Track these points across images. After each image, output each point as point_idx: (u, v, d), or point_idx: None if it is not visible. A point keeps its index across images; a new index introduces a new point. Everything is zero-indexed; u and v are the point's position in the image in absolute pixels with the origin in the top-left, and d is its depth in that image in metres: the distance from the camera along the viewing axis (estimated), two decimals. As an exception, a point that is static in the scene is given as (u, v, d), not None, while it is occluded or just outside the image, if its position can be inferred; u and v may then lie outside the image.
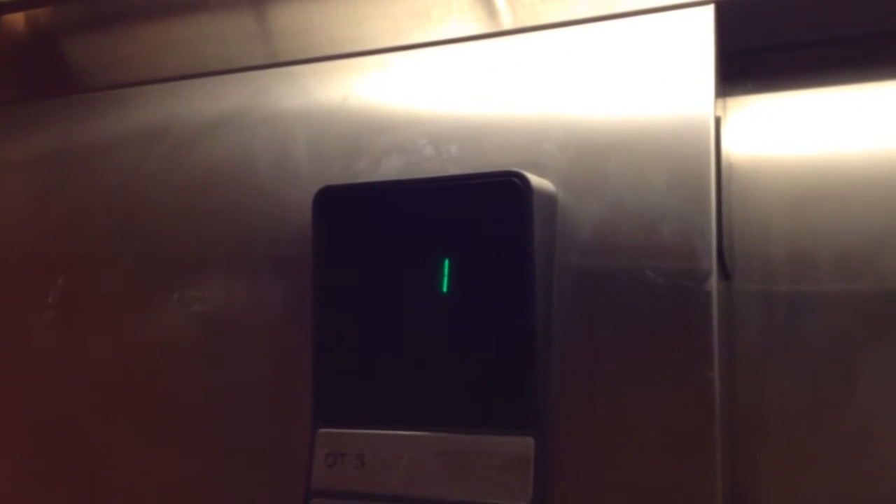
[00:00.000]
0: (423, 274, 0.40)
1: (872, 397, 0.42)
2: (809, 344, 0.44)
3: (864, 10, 0.45)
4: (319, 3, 0.54)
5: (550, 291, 0.40)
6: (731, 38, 0.43)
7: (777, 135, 0.47)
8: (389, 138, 0.46)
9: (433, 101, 0.46)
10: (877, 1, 0.45)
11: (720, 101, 0.44)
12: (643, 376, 0.38)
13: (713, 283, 0.38)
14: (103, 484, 0.48)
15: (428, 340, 0.40)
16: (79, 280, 0.52)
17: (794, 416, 0.43)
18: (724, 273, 0.43)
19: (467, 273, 0.40)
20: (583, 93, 0.43)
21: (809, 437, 0.43)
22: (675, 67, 0.42)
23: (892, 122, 0.45)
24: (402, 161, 0.46)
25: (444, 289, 0.40)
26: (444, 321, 0.40)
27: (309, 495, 0.40)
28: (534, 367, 0.38)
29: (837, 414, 0.43)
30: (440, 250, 0.40)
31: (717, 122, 0.41)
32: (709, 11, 0.42)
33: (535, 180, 0.39)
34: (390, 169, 0.46)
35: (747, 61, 0.48)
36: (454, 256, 0.40)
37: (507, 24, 0.47)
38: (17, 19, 0.63)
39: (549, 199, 0.41)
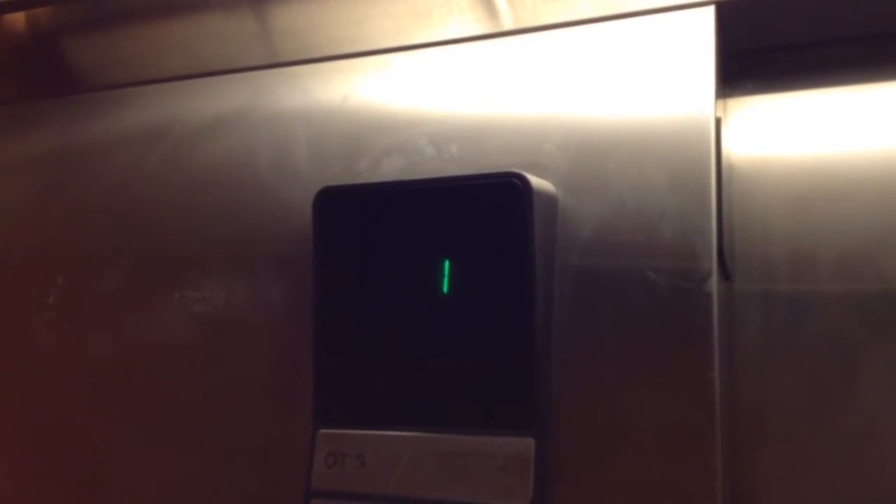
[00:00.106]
0: (423, 274, 0.40)
1: (873, 397, 0.42)
2: (810, 344, 0.44)
3: (865, 11, 0.45)
4: (320, 3, 0.54)
5: (551, 292, 0.40)
6: (732, 39, 0.43)
7: (777, 135, 0.47)
8: (390, 138, 0.46)
9: (434, 102, 0.46)
10: (877, 1, 0.45)
11: (721, 101, 0.44)
12: (643, 377, 0.38)
13: (713, 283, 0.38)
14: (104, 483, 0.48)
15: (428, 341, 0.40)
16: (79, 280, 0.52)
17: (794, 416, 0.43)
18: (725, 273, 0.43)
19: (468, 274, 0.40)
20: (583, 93, 0.43)
21: (810, 437, 0.43)
22: (676, 68, 0.42)
23: (892, 123, 0.45)
24: (403, 161, 0.46)
25: (445, 289, 0.40)
26: (444, 322, 0.40)
27: (309, 495, 0.40)
28: (534, 368, 0.38)
29: (838, 414, 0.43)
30: (441, 251, 0.40)
31: (718, 122, 0.41)
32: (709, 12, 0.42)
33: (536, 181, 0.39)
34: (391, 169, 0.46)
35: (748, 62, 0.48)
36: (455, 257, 0.40)
37: (507, 25, 0.47)
38: (18, 19, 0.63)
39: (550, 199, 0.41)
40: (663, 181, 0.40)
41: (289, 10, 0.55)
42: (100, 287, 0.51)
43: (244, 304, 0.47)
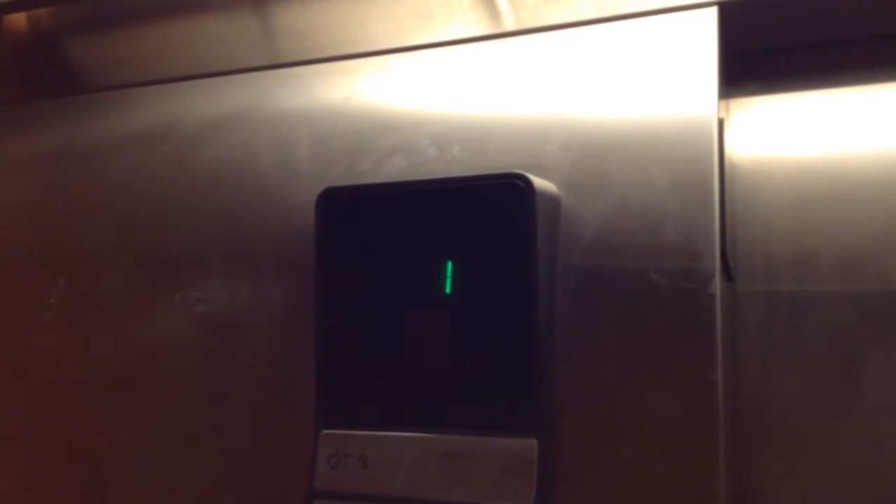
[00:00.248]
0: (426, 275, 0.40)
1: (876, 398, 0.42)
2: (812, 344, 0.44)
3: (867, 12, 0.45)
4: (322, 4, 0.54)
5: (553, 292, 0.40)
6: (735, 40, 0.43)
7: (780, 136, 0.47)
8: (392, 139, 0.46)
9: (436, 102, 0.46)
10: (879, 3, 0.45)
11: (723, 102, 0.44)
12: (646, 377, 0.38)
13: (717, 284, 0.38)
14: (105, 484, 0.48)
15: (431, 342, 0.40)
16: (81, 280, 0.52)
17: (797, 416, 0.43)
18: (728, 273, 0.43)
19: (470, 274, 0.40)
20: (585, 94, 0.43)
21: (812, 437, 0.43)
22: (679, 69, 0.42)
23: (894, 124, 0.45)
24: (405, 161, 0.46)
25: (447, 290, 0.40)
26: (446, 322, 0.40)
27: (311, 496, 0.40)
28: (537, 369, 0.38)
29: (840, 414, 0.43)
30: (443, 251, 0.40)
31: (721, 123, 0.41)
32: (712, 13, 0.42)
33: (539, 182, 0.39)
34: (393, 169, 0.46)
35: (750, 63, 0.48)
36: (457, 258, 0.40)
37: (509, 26, 0.47)
38: (20, 19, 0.63)
39: (552, 200, 0.41)
40: (666, 182, 0.40)
41: (291, 11, 0.55)
42: (101, 287, 0.51)
43: (246, 305, 0.47)
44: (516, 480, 0.37)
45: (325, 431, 0.41)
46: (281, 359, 0.46)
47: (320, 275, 0.43)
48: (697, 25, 0.42)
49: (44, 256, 0.54)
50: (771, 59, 0.48)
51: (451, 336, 0.40)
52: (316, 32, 0.53)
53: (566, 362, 0.39)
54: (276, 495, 0.44)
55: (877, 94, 0.46)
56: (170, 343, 0.48)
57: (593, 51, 0.44)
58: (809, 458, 0.43)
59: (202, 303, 0.48)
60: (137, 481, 0.47)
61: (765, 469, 0.43)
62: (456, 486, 0.38)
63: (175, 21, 0.58)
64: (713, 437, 0.37)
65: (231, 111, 0.51)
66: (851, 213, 0.45)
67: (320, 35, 0.53)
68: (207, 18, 0.57)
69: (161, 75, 0.55)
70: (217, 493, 0.45)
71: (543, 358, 0.39)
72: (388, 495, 0.39)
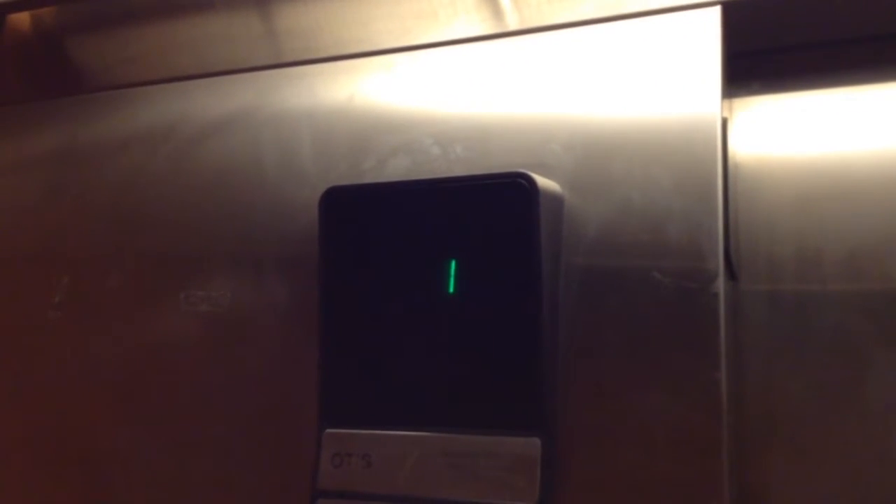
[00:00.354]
0: (429, 274, 0.40)
1: (880, 397, 0.42)
2: (816, 344, 0.44)
3: (870, 12, 0.45)
4: (325, 4, 0.54)
5: (557, 292, 0.40)
6: (738, 40, 0.43)
7: (783, 136, 0.47)
8: (395, 138, 0.46)
9: (439, 102, 0.46)
10: (882, 3, 0.45)
11: (727, 101, 0.44)
12: (650, 377, 0.38)
13: (720, 284, 0.38)
14: (109, 482, 0.48)
15: (434, 341, 0.40)
16: (84, 279, 0.52)
17: (800, 415, 0.43)
18: (731, 273, 0.43)
19: (474, 274, 0.40)
20: (589, 93, 0.43)
21: (816, 436, 0.43)
22: (682, 68, 0.42)
23: (898, 123, 0.45)
24: (409, 161, 0.46)
25: (451, 289, 0.40)
26: (450, 321, 0.40)
27: (315, 495, 0.40)
28: (540, 368, 0.38)
29: (844, 413, 0.43)
30: (447, 251, 0.40)
31: (724, 122, 0.41)
32: (716, 13, 0.42)
33: (542, 181, 0.39)
34: (396, 169, 0.46)
35: (754, 62, 0.48)
36: (461, 257, 0.40)
37: (512, 25, 0.47)
38: (23, 19, 0.63)
39: (556, 199, 0.41)
40: (669, 181, 0.40)
41: (294, 11, 0.55)
42: (105, 287, 0.51)
43: (249, 304, 0.47)
44: (520, 479, 0.37)
45: (329, 430, 0.41)
46: (284, 358, 0.46)
47: (324, 274, 0.43)
48: (701, 25, 0.42)
49: (47, 256, 0.54)
50: (774, 58, 0.48)
51: (454, 335, 0.40)
52: (319, 32, 0.53)
53: (569, 361, 0.39)
54: (279, 494, 0.44)
55: (880, 93, 0.46)
56: (173, 342, 0.48)
57: (596, 50, 0.44)
58: (813, 458, 0.43)
59: (205, 302, 0.48)
60: (141, 480, 0.47)
61: (768, 468, 0.43)
62: (459, 485, 0.38)
63: (178, 20, 0.58)
64: (717, 437, 0.37)
65: (234, 110, 0.51)
66: (854, 213, 0.45)
67: (323, 34, 0.53)
68: (210, 18, 0.57)
69: (164, 75, 0.55)
70: (221, 491, 0.45)
71: (547, 357, 0.39)
72: (392, 494, 0.39)
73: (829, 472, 0.42)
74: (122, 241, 0.52)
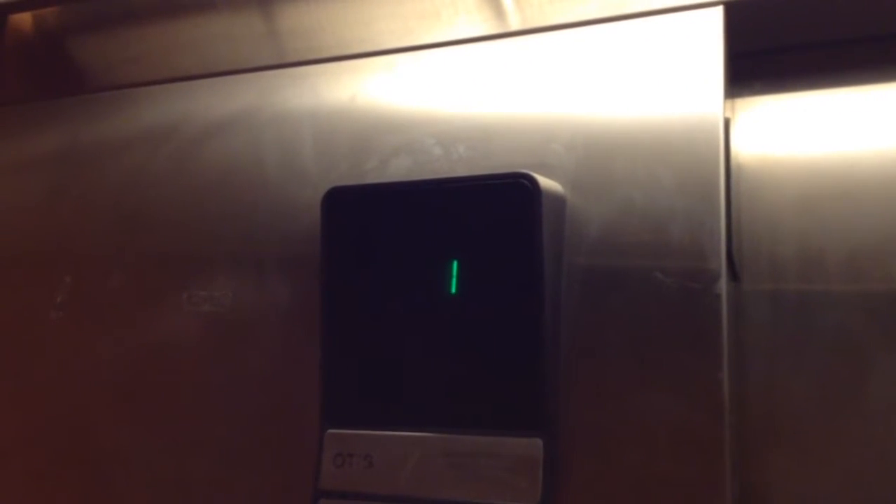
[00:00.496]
0: (431, 275, 0.40)
1: (882, 397, 0.42)
2: (818, 344, 0.44)
3: (873, 12, 0.45)
4: (327, 4, 0.54)
5: (559, 292, 0.40)
6: (741, 40, 0.43)
7: (786, 136, 0.47)
8: (397, 138, 0.46)
9: (441, 102, 0.46)
10: (885, 3, 0.45)
11: (729, 102, 0.44)
12: (652, 377, 0.38)
13: (723, 284, 0.38)
14: (112, 482, 0.48)
15: (436, 341, 0.40)
16: (87, 280, 0.52)
17: (803, 416, 0.43)
18: (733, 273, 0.43)
19: (476, 274, 0.40)
20: (591, 94, 0.43)
21: (819, 437, 0.43)
22: (684, 68, 0.42)
23: (901, 123, 0.45)
24: (410, 161, 0.46)
25: (453, 290, 0.40)
26: (452, 322, 0.40)
27: (317, 495, 0.40)
28: (542, 368, 0.38)
29: (847, 414, 0.43)
30: (449, 251, 0.40)
31: (727, 122, 0.41)
32: (718, 13, 0.42)
33: (544, 182, 0.39)
34: (398, 169, 0.46)
35: (756, 62, 0.48)
36: (463, 257, 0.40)
37: (515, 25, 0.47)
38: (25, 19, 0.63)
39: (558, 200, 0.41)
40: (672, 181, 0.40)
41: (296, 11, 0.55)
42: (107, 287, 0.51)
43: (251, 304, 0.47)
44: (522, 480, 0.37)
45: (331, 431, 0.41)
46: (286, 358, 0.46)
47: (326, 274, 0.43)
48: (703, 25, 0.42)
49: (49, 256, 0.54)
50: (777, 58, 0.48)
51: (456, 335, 0.40)
52: (321, 32, 0.53)
53: (571, 362, 0.39)
54: (281, 494, 0.44)
55: (882, 93, 0.46)
56: (175, 342, 0.48)
57: (598, 50, 0.44)
58: (816, 458, 0.43)
59: (207, 302, 0.48)
60: (143, 480, 0.47)
61: (771, 469, 0.43)
62: (461, 486, 0.38)
63: (180, 20, 0.58)
64: (719, 437, 0.37)
65: (236, 111, 0.51)
66: (857, 213, 0.45)
67: (326, 34, 0.53)
68: (212, 18, 0.57)
69: (166, 75, 0.55)
70: (223, 491, 0.45)
71: (549, 357, 0.39)
72: (394, 494, 0.39)
73: (832, 472, 0.42)
74: (124, 241, 0.52)
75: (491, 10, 0.48)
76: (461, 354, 0.40)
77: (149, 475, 0.47)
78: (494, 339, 0.39)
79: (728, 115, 0.42)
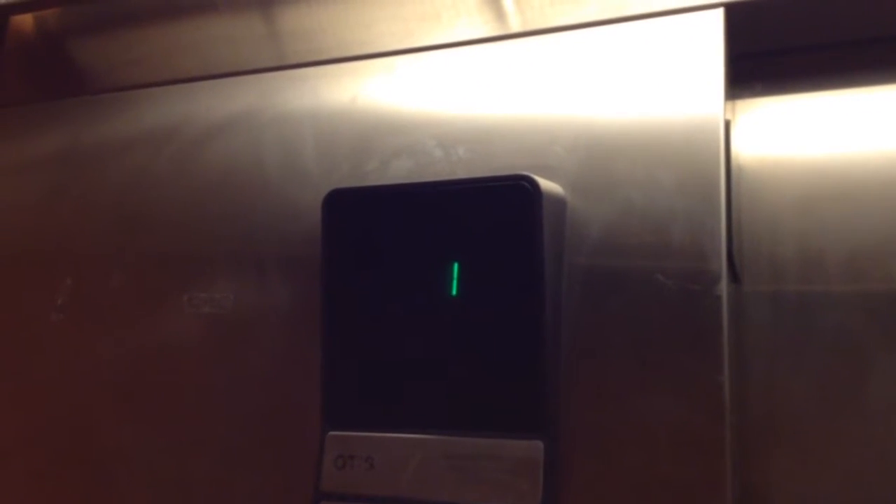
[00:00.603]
0: (432, 276, 0.40)
1: (883, 398, 0.42)
2: (819, 345, 0.44)
3: (873, 14, 0.45)
4: (328, 6, 0.54)
5: (559, 294, 0.40)
6: (741, 41, 0.43)
7: (786, 137, 0.47)
8: (398, 140, 0.46)
9: (442, 104, 0.46)
10: (885, 4, 0.45)
11: (729, 103, 0.44)
12: (653, 379, 0.38)
13: (723, 285, 0.38)
14: (113, 482, 0.48)
15: (437, 343, 0.40)
16: (88, 281, 0.52)
17: (803, 417, 0.43)
18: (734, 274, 0.43)
19: (477, 276, 0.40)
20: (592, 95, 0.43)
21: (819, 438, 0.43)
22: (685, 70, 0.42)
23: (901, 125, 0.45)
24: (411, 163, 0.46)
25: (454, 292, 0.40)
26: (453, 324, 0.40)
27: (318, 497, 0.40)
28: (543, 371, 0.38)
29: (847, 414, 0.43)
30: (450, 253, 0.40)
31: (727, 124, 0.41)
32: (718, 15, 0.42)
33: (545, 184, 0.39)
34: (399, 170, 0.46)
35: (757, 64, 0.48)
36: (463, 259, 0.40)
37: (515, 27, 0.47)
38: (26, 20, 0.63)
39: (559, 202, 0.41)
40: (672, 183, 0.40)
41: (297, 13, 0.55)
42: (108, 289, 0.51)
43: (252, 305, 0.47)
44: (522, 482, 0.37)
45: (332, 433, 0.41)
46: (287, 360, 0.46)
47: (326, 276, 0.43)
48: (704, 27, 0.42)
49: (51, 257, 0.54)
50: (777, 60, 0.48)
51: (457, 337, 0.40)
52: (322, 34, 0.53)
53: (572, 364, 0.39)
54: (282, 496, 0.44)
55: (883, 95, 0.46)
56: (176, 344, 0.48)
57: (599, 52, 0.44)
58: (816, 459, 0.43)
59: (208, 304, 0.48)
60: (145, 482, 0.47)
61: (771, 470, 0.43)
62: (462, 488, 0.38)
63: (181, 22, 0.58)
64: (720, 439, 0.37)
65: (237, 112, 0.52)
66: (857, 214, 0.45)
67: (326, 36, 0.53)
68: (214, 20, 0.57)
69: (167, 76, 0.55)
70: (224, 493, 0.45)
71: (549, 359, 0.39)
72: (395, 496, 0.39)
73: (832, 472, 0.42)
74: (125, 243, 0.52)
75: (491, 12, 0.48)
76: (462, 356, 0.40)
77: (150, 476, 0.47)
78: (495, 341, 0.39)
79: (728, 116, 0.42)
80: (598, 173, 0.42)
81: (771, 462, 0.43)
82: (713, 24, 0.42)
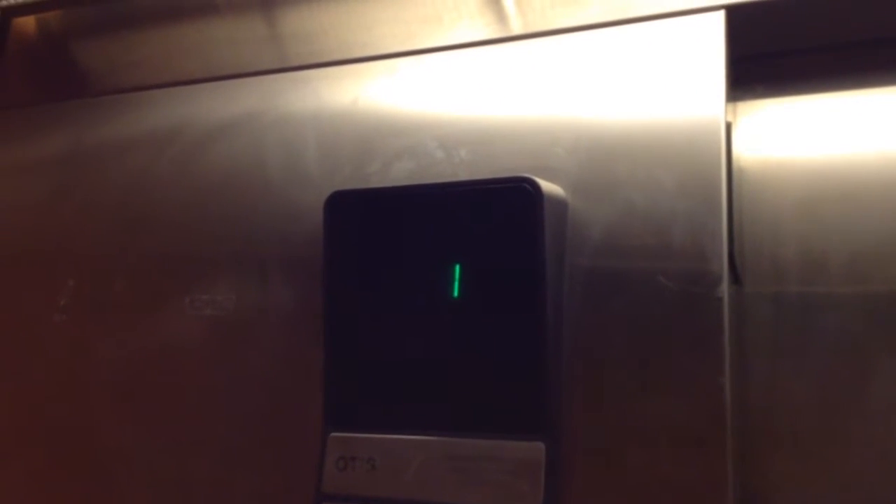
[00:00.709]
0: (433, 278, 0.40)
1: (884, 400, 0.42)
2: (820, 347, 0.44)
3: (874, 16, 0.45)
4: (330, 8, 0.54)
5: (561, 295, 0.40)
6: (742, 43, 0.43)
7: (787, 139, 0.47)
8: (400, 142, 0.47)
9: (444, 105, 0.46)
10: (886, 6, 0.45)
11: (730, 105, 0.44)
12: (654, 380, 0.38)
13: (725, 287, 0.38)
14: (114, 483, 0.48)
15: (439, 345, 0.40)
16: (90, 283, 0.52)
17: (804, 418, 0.43)
18: (735, 276, 0.43)
19: (478, 278, 0.40)
20: (593, 97, 0.43)
21: (820, 439, 0.43)
22: (686, 72, 0.42)
23: (902, 126, 0.45)
24: (413, 164, 0.46)
25: (455, 293, 0.40)
26: (454, 326, 0.40)
27: (320, 498, 0.41)
28: (544, 372, 0.38)
29: (848, 416, 0.43)
30: (451, 255, 0.40)
31: (728, 126, 0.41)
32: (719, 17, 0.42)
33: (546, 186, 0.39)
34: (401, 172, 0.46)
35: (757, 66, 0.48)
36: (465, 261, 0.40)
37: (517, 29, 0.48)
38: (28, 22, 0.64)
39: (560, 204, 0.41)
40: (673, 184, 0.40)
41: (299, 15, 0.55)
42: (110, 290, 0.51)
43: (254, 307, 0.47)
44: (524, 483, 0.37)
45: (334, 434, 0.41)
46: (289, 361, 0.46)
47: (328, 277, 0.43)
48: (705, 29, 0.42)
49: (53, 259, 0.54)
50: (778, 62, 0.48)
51: (458, 339, 0.40)
52: (324, 36, 0.53)
53: (573, 365, 0.40)
54: (284, 497, 0.44)
55: (884, 97, 0.46)
56: (178, 345, 0.48)
57: (600, 54, 0.44)
58: (817, 461, 0.43)
59: (210, 306, 0.48)
60: (145, 481, 0.47)
61: (772, 472, 0.43)
62: (464, 489, 0.38)
63: (183, 24, 0.58)
64: (721, 440, 0.37)
65: (239, 114, 0.52)
66: (859, 216, 0.45)
67: (328, 38, 0.53)
68: (215, 22, 0.57)
69: (169, 78, 0.55)
70: (225, 494, 0.45)
71: (551, 361, 0.39)
72: (396, 498, 0.39)
73: (833, 473, 0.42)
74: (127, 244, 0.52)
75: (493, 14, 0.48)
76: (463, 357, 0.40)
77: (151, 476, 0.47)
78: (496, 343, 0.39)
79: (730, 118, 0.42)
80: (600, 175, 0.42)
81: (772, 463, 0.43)
82: (714, 26, 0.42)
